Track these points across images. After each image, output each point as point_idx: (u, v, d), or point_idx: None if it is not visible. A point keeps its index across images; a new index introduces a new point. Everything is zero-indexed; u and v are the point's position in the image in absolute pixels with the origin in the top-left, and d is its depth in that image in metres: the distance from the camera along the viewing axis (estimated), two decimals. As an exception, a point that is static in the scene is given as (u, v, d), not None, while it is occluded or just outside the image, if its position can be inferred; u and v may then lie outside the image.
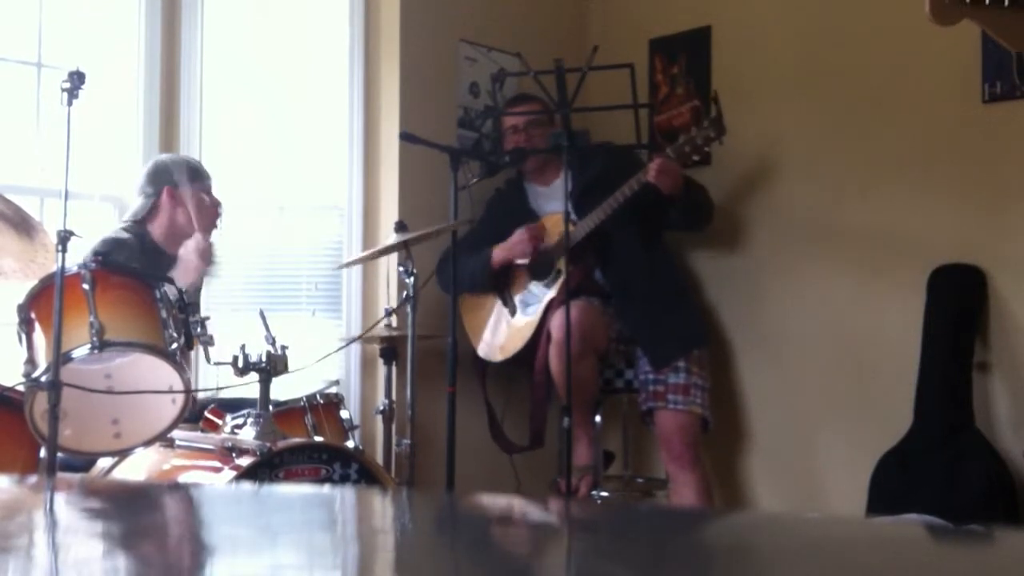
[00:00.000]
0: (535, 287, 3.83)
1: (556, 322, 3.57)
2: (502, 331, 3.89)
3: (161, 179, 3.44)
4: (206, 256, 3.34)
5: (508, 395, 4.01)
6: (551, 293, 3.75)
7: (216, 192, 3.56)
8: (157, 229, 3.45)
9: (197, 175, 3.48)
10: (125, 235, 3.37)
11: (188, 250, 3.28)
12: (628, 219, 3.68)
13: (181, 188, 3.43)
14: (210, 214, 3.47)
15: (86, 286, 2.55)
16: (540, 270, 3.82)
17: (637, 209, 3.66)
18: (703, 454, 3.79)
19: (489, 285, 3.89)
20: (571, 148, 3.37)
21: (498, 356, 3.88)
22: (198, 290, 3.46)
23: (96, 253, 2.95)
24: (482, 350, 3.92)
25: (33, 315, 2.62)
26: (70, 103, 2.52)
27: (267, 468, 2.68)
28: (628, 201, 3.62)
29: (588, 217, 3.67)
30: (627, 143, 3.62)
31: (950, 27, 2.12)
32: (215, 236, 3.47)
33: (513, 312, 3.88)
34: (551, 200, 3.84)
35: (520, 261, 3.81)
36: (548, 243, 3.78)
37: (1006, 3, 1.98)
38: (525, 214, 3.91)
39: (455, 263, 3.39)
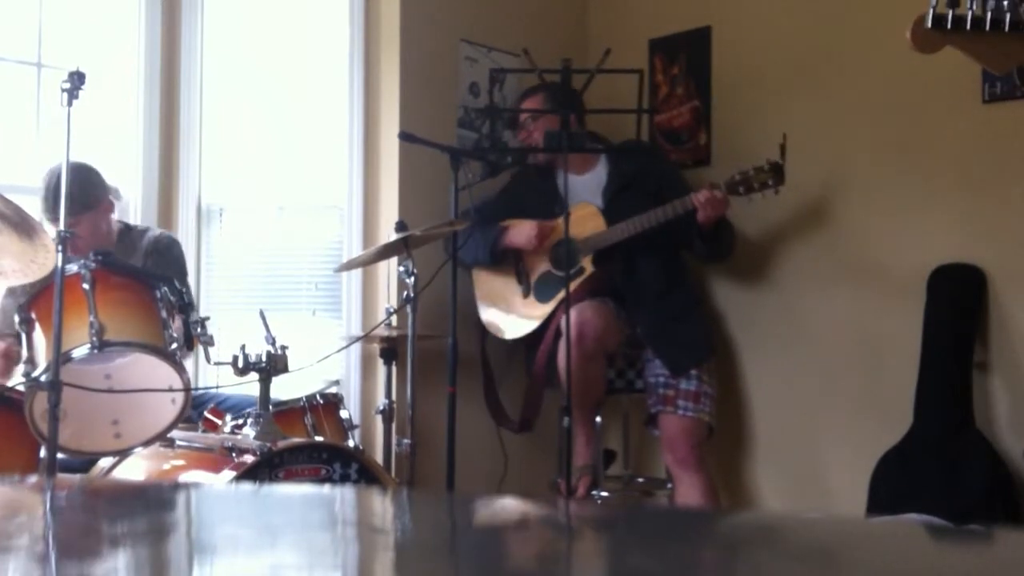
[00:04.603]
0: (553, 275, 3.78)
1: (572, 323, 3.53)
2: (512, 309, 3.86)
3: None
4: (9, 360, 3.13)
5: (507, 366, 4.03)
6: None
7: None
8: None
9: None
10: None
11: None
12: (654, 230, 3.64)
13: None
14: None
15: (86, 286, 2.55)
16: (562, 260, 3.78)
17: (666, 224, 3.63)
18: (708, 456, 3.79)
19: (490, 263, 3.85)
20: (571, 149, 3.36)
21: (503, 335, 3.87)
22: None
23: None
24: (486, 321, 3.90)
25: (33, 315, 2.63)
26: (70, 103, 2.52)
27: (267, 468, 2.68)
28: (668, 220, 3.60)
29: (624, 224, 3.63)
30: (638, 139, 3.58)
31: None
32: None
33: (527, 293, 3.84)
34: (583, 190, 3.78)
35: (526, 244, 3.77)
36: (574, 234, 3.68)
37: (987, 28, 1.96)
38: (552, 195, 3.78)
39: (455, 260, 3.38)
